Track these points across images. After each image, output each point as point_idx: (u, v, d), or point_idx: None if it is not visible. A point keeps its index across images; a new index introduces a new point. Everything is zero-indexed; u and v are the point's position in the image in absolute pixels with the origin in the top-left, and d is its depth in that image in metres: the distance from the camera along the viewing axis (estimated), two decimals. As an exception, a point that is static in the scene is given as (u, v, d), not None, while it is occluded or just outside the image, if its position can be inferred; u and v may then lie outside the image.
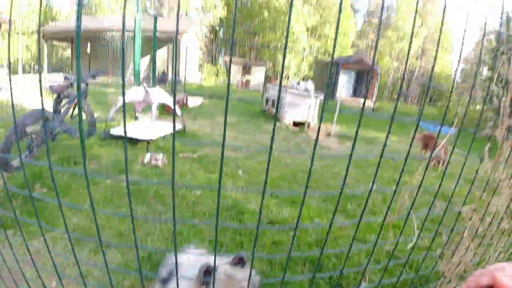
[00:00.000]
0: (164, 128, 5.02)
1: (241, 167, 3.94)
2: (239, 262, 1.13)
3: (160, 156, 3.67)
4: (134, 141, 4.31)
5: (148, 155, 3.66)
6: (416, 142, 5.21)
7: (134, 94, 4.75)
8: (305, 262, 2.09)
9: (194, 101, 8.91)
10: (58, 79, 5.04)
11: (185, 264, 1.24)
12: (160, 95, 4.84)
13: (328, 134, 6.73)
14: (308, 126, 7.23)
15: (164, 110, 6.55)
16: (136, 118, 5.45)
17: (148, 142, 4.32)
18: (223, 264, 1.14)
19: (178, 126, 5.24)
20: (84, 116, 3.95)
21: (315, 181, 3.85)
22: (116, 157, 3.77)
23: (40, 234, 2.18)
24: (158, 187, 3.02)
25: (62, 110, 3.43)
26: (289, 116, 7.51)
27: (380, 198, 3.46)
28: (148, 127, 4.69)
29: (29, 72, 8.15)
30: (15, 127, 1.72)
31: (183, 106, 7.99)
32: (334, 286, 1.94)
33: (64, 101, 3.47)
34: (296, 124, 7.49)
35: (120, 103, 4.60)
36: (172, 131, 4.87)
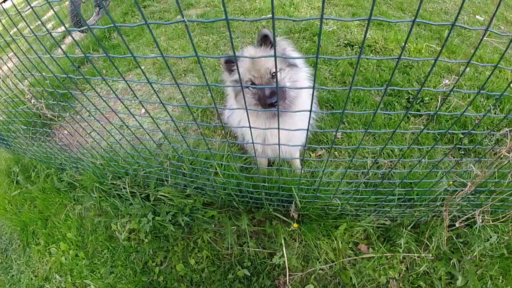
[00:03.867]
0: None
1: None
2: (263, 41, 0.92)
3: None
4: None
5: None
6: None
7: None
8: (382, 85, 1.93)
9: None
10: None
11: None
12: None
13: None
14: None
15: None
16: None
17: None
18: (249, 48, 1.00)
19: None
20: None
21: (408, 2, 3.13)
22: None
23: (126, 74, 2.42)
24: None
25: None
26: None
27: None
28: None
29: None
30: None
31: None
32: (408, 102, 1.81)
33: None
34: None
35: None
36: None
